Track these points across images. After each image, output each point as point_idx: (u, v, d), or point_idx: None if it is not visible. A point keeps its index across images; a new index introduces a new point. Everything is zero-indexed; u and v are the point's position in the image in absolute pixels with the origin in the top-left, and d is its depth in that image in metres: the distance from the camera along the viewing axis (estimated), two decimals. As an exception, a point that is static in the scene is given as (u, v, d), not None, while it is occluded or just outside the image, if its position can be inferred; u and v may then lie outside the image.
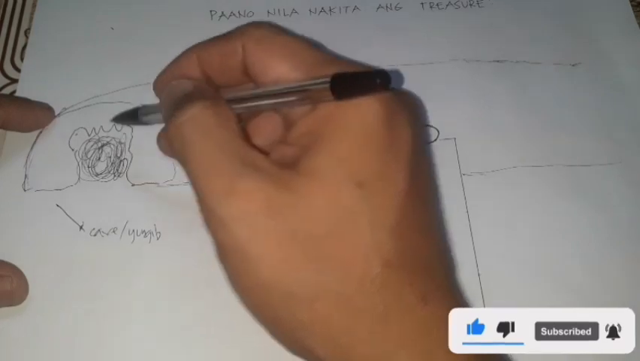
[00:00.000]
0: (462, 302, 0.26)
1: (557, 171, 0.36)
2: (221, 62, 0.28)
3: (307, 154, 0.24)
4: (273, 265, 0.23)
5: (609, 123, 0.38)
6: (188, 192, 0.35)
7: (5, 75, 0.39)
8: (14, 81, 0.39)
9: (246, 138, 0.26)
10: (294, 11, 0.42)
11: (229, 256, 0.24)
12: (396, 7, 0.42)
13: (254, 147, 0.25)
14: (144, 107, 0.33)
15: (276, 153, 0.26)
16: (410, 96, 0.27)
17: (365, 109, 0.24)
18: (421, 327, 0.23)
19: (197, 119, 0.25)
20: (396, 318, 0.23)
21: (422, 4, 0.42)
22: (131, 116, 0.33)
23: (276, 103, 0.26)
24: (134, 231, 0.34)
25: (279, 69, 0.26)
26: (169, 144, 0.28)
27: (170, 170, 0.36)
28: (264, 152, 0.25)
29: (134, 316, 0.32)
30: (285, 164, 0.24)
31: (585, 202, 0.35)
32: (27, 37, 0.41)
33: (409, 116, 0.25)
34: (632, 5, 0.42)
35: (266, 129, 0.28)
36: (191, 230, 0.34)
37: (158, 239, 0.34)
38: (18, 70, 0.39)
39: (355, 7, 0.42)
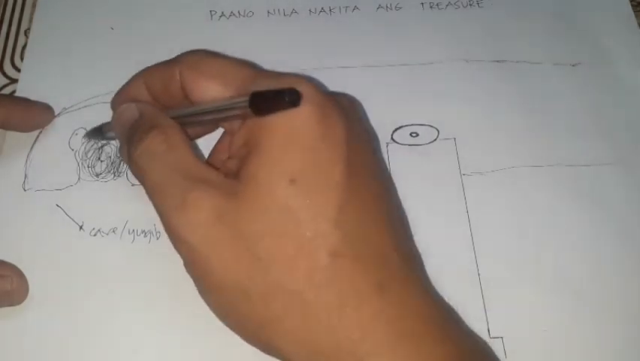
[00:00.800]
0: (427, 291, 0.27)
1: (557, 171, 0.36)
2: (163, 87, 0.30)
3: (244, 163, 0.25)
4: (224, 267, 0.24)
5: (609, 123, 0.38)
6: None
7: (5, 75, 0.39)
8: (14, 81, 0.39)
9: (200, 154, 0.29)
10: (293, 11, 0.42)
11: (189, 265, 0.26)
12: (396, 7, 0.42)
13: (206, 163, 0.27)
14: (108, 124, 0.34)
15: (224, 167, 0.28)
16: (346, 97, 0.29)
17: (293, 112, 0.25)
18: (381, 315, 0.24)
19: (149, 149, 0.27)
20: (353, 308, 0.24)
21: (422, 4, 0.42)
22: (98, 132, 0.35)
23: (211, 119, 0.28)
24: (134, 231, 0.34)
25: (212, 89, 0.28)
26: (132, 172, 0.30)
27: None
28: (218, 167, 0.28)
29: (134, 316, 0.32)
30: (233, 175, 0.26)
31: (585, 202, 0.35)
32: (27, 37, 0.41)
33: (341, 112, 0.26)
34: (632, 5, 0.42)
35: (222, 147, 0.31)
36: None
37: (157, 239, 0.34)
38: (18, 70, 0.39)
39: (355, 7, 0.42)
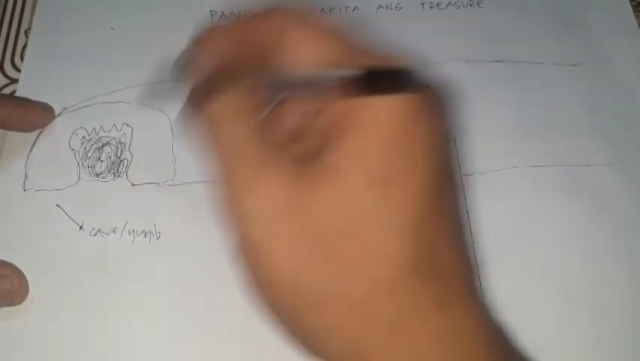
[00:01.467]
0: (482, 309, 0.25)
1: (558, 171, 0.36)
2: (251, 41, 0.26)
3: (328, 148, 0.23)
4: (284, 265, 0.23)
5: (609, 123, 0.38)
6: (188, 192, 0.35)
7: (5, 75, 0.39)
8: (14, 81, 0.39)
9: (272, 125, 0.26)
10: (294, 11, 0.42)
11: (245, 250, 0.24)
12: (396, 7, 0.42)
13: (275, 146, 0.25)
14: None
15: (302, 141, 0.25)
16: (438, 95, 0.26)
17: (387, 107, 0.23)
18: (437, 335, 0.23)
19: (231, 102, 0.25)
20: (411, 325, 0.22)
21: (422, 4, 0.42)
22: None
23: (300, 91, 0.25)
24: (134, 231, 0.34)
25: (311, 52, 0.25)
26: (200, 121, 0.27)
27: (170, 170, 0.36)
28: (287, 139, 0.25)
29: (134, 316, 0.32)
30: (309, 153, 0.24)
31: (585, 202, 0.35)
32: (27, 37, 0.41)
33: (432, 117, 0.24)
34: (632, 5, 0.42)
35: (292, 117, 0.27)
36: (191, 230, 0.34)
37: (158, 239, 0.34)
38: (18, 70, 0.39)
39: (355, 7, 0.42)
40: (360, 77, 0.22)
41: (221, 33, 0.27)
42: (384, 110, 0.23)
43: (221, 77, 0.26)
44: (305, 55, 0.25)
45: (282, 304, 0.23)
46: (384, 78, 0.23)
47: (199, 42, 0.28)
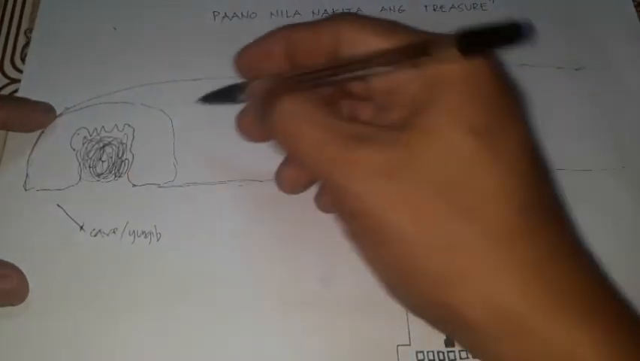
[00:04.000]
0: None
1: (561, 175, 0.36)
2: (309, 43, 0.28)
3: (418, 114, 0.24)
4: (402, 218, 0.23)
5: (612, 128, 0.38)
6: (189, 193, 0.35)
7: (5, 75, 0.39)
8: (14, 81, 0.39)
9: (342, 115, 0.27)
10: (296, 13, 0.42)
11: (359, 220, 0.25)
12: (399, 9, 0.42)
13: (353, 120, 0.26)
14: (242, 84, 0.32)
15: (381, 118, 0.26)
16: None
17: (472, 66, 0.24)
18: (574, 275, 0.23)
19: (291, 113, 0.26)
20: (548, 265, 0.22)
21: (425, 6, 0.42)
22: (226, 95, 0.33)
23: (377, 68, 0.26)
24: (134, 232, 0.34)
25: (374, 42, 0.26)
26: (277, 140, 0.28)
27: (171, 171, 0.36)
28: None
29: (134, 316, 0.32)
30: (395, 126, 0.24)
31: (588, 207, 0.35)
32: (27, 37, 0.41)
33: (509, 73, 0.26)
34: (636, 8, 0.42)
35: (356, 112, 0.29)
36: (191, 231, 0.34)
37: (158, 240, 0.34)
38: (18, 70, 0.39)
39: (358, 9, 0.42)
40: (457, 39, 0.23)
41: (281, 33, 0.29)
42: (473, 68, 0.24)
43: (277, 91, 0.27)
44: (369, 42, 0.26)
45: (403, 256, 0.24)
46: (480, 38, 0.23)
47: (258, 42, 0.30)
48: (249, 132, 0.32)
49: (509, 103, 0.24)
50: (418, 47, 0.24)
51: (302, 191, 0.32)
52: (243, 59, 0.31)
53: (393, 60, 0.25)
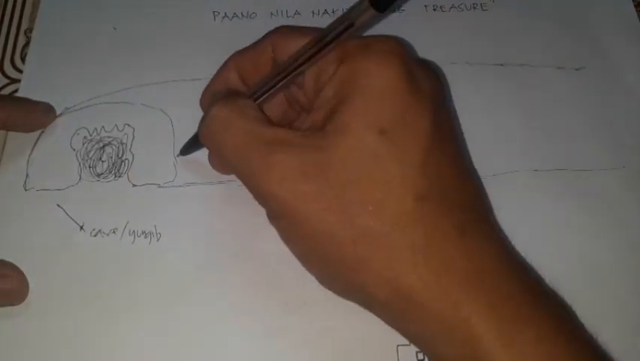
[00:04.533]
0: (502, 239, 0.28)
1: (560, 175, 0.36)
2: (253, 62, 0.31)
3: (333, 115, 0.26)
4: (313, 217, 0.26)
5: (613, 128, 0.38)
6: (189, 193, 0.35)
7: (5, 75, 0.39)
8: (14, 81, 0.39)
9: (270, 121, 0.29)
10: (296, 13, 0.42)
11: (278, 220, 0.28)
12: (399, 9, 0.42)
13: (278, 126, 0.28)
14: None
15: (306, 121, 0.28)
16: (430, 64, 0.31)
17: (385, 66, 0.26)
18: (462, 254, 0.25)
19: (217, 117, 0.28)
20: (437, 247, 0.25)
21: (425, 6, 0.42)
22: (196, 141, 0.34)
23: (303, 65, 0.28)
24: (134, 232, 0.34)
25: (301, 41, 0.28)
26: (204, 144, 0.31)
27: (171, 171, 0.36)
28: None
29: (134, 316, 0.32)
30: (315, 129, 0.27)
31: (588, 207, 0.35)
32: (27, 37, 0.41)
33: (429, 71, 0.28)
34: (634, 6, 0.42)
35: (278, 110, 0.32)
36: (191, 231, 0.34)
37: (158, 240, 0.34)
38: (18, 70, 0.39)
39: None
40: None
41: (230, 62, 0.32)
42: (385, 68, 0.26)
43: (212, 102, 0.29)
44: (300, 44, 0.28)
45: (317, 251, 0.27)
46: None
47: (213, 78, 0.33)
48: (218, 168, 0.35)
49: (414, 100, 0.26)
50: (341, 21, 0.26)
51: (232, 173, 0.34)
52: (205, 97, 0.33)
53: (319, 48, 0.27)
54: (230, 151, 0.28)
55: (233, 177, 0.35)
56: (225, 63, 0.32)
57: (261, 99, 0.30)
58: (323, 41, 0.27)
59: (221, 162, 0.33)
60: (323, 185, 0.25)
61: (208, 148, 0.31)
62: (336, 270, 0.27)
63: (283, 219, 0.27)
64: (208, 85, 0.33)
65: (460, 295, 0.25)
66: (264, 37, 0.31)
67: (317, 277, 0.29)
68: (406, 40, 0.32)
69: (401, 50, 0.27)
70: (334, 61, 0.27)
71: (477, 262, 0.25)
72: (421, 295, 0.25)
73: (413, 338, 0.27)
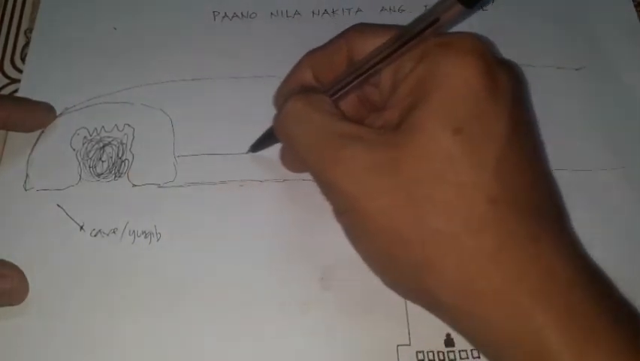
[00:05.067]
0: (577, 247, 0.27)
1: (560, 175, 0.36)
2: (328, 62, 0.31)
3: (409, 113, 0.26)
4: (382, 214, 0.25)
5: (613, 128, 0.38)
6: (189, 193, 0.35)
7: (5, 75, 0.39)
8: (14, 81, 0.39)
9: (351, 115, 0.29)
10: (297, 13, 0.42)
11: (344, 214, 0.27)
12: (399, 9, 0.42)
13: (353, 121, 0.27)
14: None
15: (380, 119, 0.28)
16: (511, 62, 0.29)
17: (465, 65, 0.25)
18: (535, 262, 0.24)
19: (292, 110, 0.28)
20: (509, 254, 0.24)
21: (425, 6, 0.42)
22: (269, 137, 0.34)
23: (381, 63, 0.28)
24: (134, 232, 0.34)
25: (379, 40, 0.28)
26: (278, 138, 0.31)
27: (171, 171, 0.36)
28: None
29: (134, 316, 0.32)
30: (389, 127, 0.26)
31: (588, 207, 0.35)
32: (27, 37, 0.41)
33: (509, 70, 0.27)
34: (634, 6, 0.42)
35: (349, 108, 0.32)
36: (191, 231, 0.34)
37: (158, 240, 0.34)
38: (18, 70, 0.39)
39: (358, 9, 0.42)
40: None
41: (304, 61, 0.32)
42: (464, 66, 0.25)
43: (287, 97, 0.29)
44: (377, 44, 0.28)
45: (383, 249, 0.26)
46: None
47: (287, 77, 0.33)
48: (289, 164, 0.35)
49: (492, 101, 0.25)
50: (425, 18, 0.26)
51: (302, 171, 0.35)
52: (279, 95, 0.33)
53: (399, 45, 0.27)
54: (303, 144, 0.28)
55: (233, 176, 0.35)
56: (300, 62, 0.32)
57: (336, 97, 0.29)
58: (403, 38, 0.27)
59: (294, 157, 0.33)
60: (393, 182, 0.25)
61: (282, 141, 0.31)
62: (402, 270, 0.26)
63: (349, 215, 0.27)
64: (282, 83, 0.33)
65: (532, 304, 0.24)
66: (339, 35, 0.30)
67: (380, 277, 0.28)
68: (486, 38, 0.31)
69: (482, 49, 0.26)
70: (413, 59, 0.27)
71: (550, 271, 0.24)
72: (490, 301, 0.24)
73: (477, 344, 0.26)
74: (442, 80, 0.25)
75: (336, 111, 0.28)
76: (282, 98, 0.32)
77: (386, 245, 0.26)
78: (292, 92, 0.30)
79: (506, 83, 0.26)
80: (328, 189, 0.27)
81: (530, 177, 0.26)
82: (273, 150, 0.36)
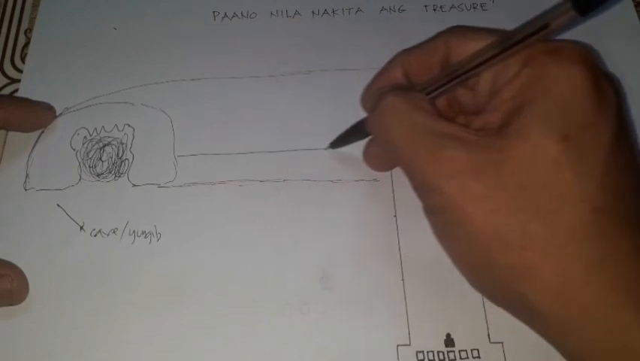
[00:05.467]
0: None
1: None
2: (422, 62, 0.30)
3: (513, 117, 0.25)
4: (482, 215, 0.25)
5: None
6: (189, 193, 0.35)
7: (5, 75, 0.39)
8: (14, 81, 0.39)
9: (443, 115, 0.28)
10: (296, 13, 0.42)
11: (438, 215, 0.27)
12: (399, 9, 0.42)
13: (452, 121, 0.27)
14: (364, 119, 0.33)
15: (478, 121, 0.27)
16: (614, 76, 0.29)
17: (574, 73, 0.25)
18: (638, 276, 0.24)
19: (391, 106, 0.28)
20: (612, 265, 0.24)
21: (425, 6, 0.42)
22: (353, 132, 0.34)
23: (482, 66, 0.27)
24: (134, 232, 0.34)
25: (480, 44, 0.28)
26: (374, 136, 0.32)
27: (171, 171, 0.36)
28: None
29: (134, 316, 0.32)
30: (490, 130, 0.26)
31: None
32: (27, 37, 0.41)
33: (613, 82, 0.27)
34: (634, 6, 0.42)
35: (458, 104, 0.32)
36: (191, 231, 0.34)
37: (158, 240, 0.34)
38: (18, 70, 0.39)
39: (358, 9, 0.42)
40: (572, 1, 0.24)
41: (397, 59, 0.32)
42: (571, 73, 0.25)
43: (384, 92, 0.29)
44: (469, 49, 0.28)
45: (478, 252, 0.26)
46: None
47: (377, 75, 0.33)
48: (373, 161, 0.35)
49: (599, 110, 0.25)
50: (534, 23, 0.26)
51: (387, 169, 0.35)
52: (368, 92, 0.33)
53: (503, 49, 0.27)
54: (401, 141, 0.27)
55: (233, 176, 0.35)
56: (392, 60, 0.32)
57: (430, 97, 0.29)
58: (507, 42, 0.26)
59: (384, 155, 0.33)
60: (495, 186, 0.25)
61: (377, 137, 0.30)
62: (497, 273, 0.26)
63: (444, 215, 0.26)
64: (372, 80, 0.33)
65: (636, 317, 0.23)
66: (436, 36, 0.30)
67: (469, 278, 0.28)
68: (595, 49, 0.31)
69: (591, 59, 0.26)
70: (517, 63, 0.27)
71: None
72: (591, 312, 0.24)
73: (567, 354, 0.26)
74: (550, 85, 0.25)
75: (435, 110, 0.28)
76: (372, 94, 0.32)
77: (484, 248, 0.25)
78: (383, 89, 0.30)
79: (612, 95, 0.26)
80: (425, 187, 0.27)
81: (633, 188, 0.26)
82: (273, 150, 0.36)
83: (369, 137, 0.34)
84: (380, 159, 0.35)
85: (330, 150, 0.36)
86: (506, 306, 0.27)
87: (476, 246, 0.26)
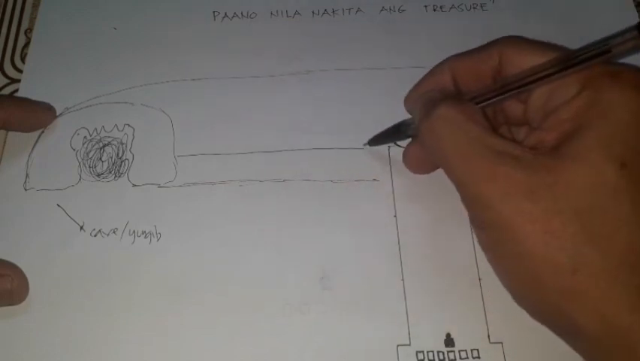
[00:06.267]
0: None
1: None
2: (472, 69, 0.30)
3: (570, 139, 0.25)
4: (535, 237, 0.25)
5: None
6: (188, 193, 0.35)
7: (5, 75, 0.39)
8: (14, 81, 0.39)
9: (495, 130, 0.28)
10: (296, 13, 0.42)
11: (486, 230, 0.27)
12: (399, 9, 0.42)
13: (505, 137, 0.27)
14: (405, 121, 0.34)
15: (532, 138, 0.27)
16: None
17: (632, 97, 0.25)
18: None
19: (445, 116, 0.28)
20: None
21: (425, 6, 0.42)
22: (393, 133, 0.34)
23: (537, 82, 0.28)
24: (134, 232, 0.34)
25: (534, 60, 0.28)
26: (423, 143, 0.31)
27: (171, 171, 0.36)
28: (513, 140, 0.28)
29: (134, 316, 0.32)
30: (543, 148, 0.26)
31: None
32: (27, 37, 0.41)
33: None
34: (634, 6, 0.42)
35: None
36: (191, 231, 0.34)
37: (158, 240, 0.34)
38: (18, 70, 0.39)
39: (358, 9, 0.42)
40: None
41: (446, 64, 0.32)
42: (630, 99, 0.25)
43: (436, 99, 0.29)
44: (532, 62, 0.28)
45: (526, 271, 0.26)
46: None
47: (424, 78, 0.33)
48: (413, 163, 0.35)
49: None
50: (596, 46, 0.26)
51: (426, 172, 0.35)
52: (413, 94, 0.33)
53: (561, 68, 0.27)
54: (453, 152, 0.27)
55: (233, 176, 0.35)
56: (441, 65, 0.32)
57: (479, 106, 0.29)
58: (567, 62, 0.26)
59: (428, 160, 0.33)
60: (550, 208, 0.25)
61: (427, 145, 0.30)
62: (545, 293, 0.26)
63: (494, 232, 0.26)
64: (419, 82, 0.33)
65: None
66: (489, 45, 0.30)
67: (514, 295, 0.28)
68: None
69: None
70: (575, 84, 0.26)
71: None
72: (636, 339, 0.24)
73: None
74: (609, 110, 0.25)
75: (488, 125, 0.28)
76: (418, 97, 0.31)
77: (534, 268, 0.25)
78: (429, 93, 0.30)
79: None
80: (476, 202, 0.27)
81: None
82: (273, 150, 0.36)
83: (408, 138, 0.34)
84: (421, 161, 0.34)
85: (367, 147, 0.36)
86: (549, 324, 0.27)
87: (526, 266, 0.26)
